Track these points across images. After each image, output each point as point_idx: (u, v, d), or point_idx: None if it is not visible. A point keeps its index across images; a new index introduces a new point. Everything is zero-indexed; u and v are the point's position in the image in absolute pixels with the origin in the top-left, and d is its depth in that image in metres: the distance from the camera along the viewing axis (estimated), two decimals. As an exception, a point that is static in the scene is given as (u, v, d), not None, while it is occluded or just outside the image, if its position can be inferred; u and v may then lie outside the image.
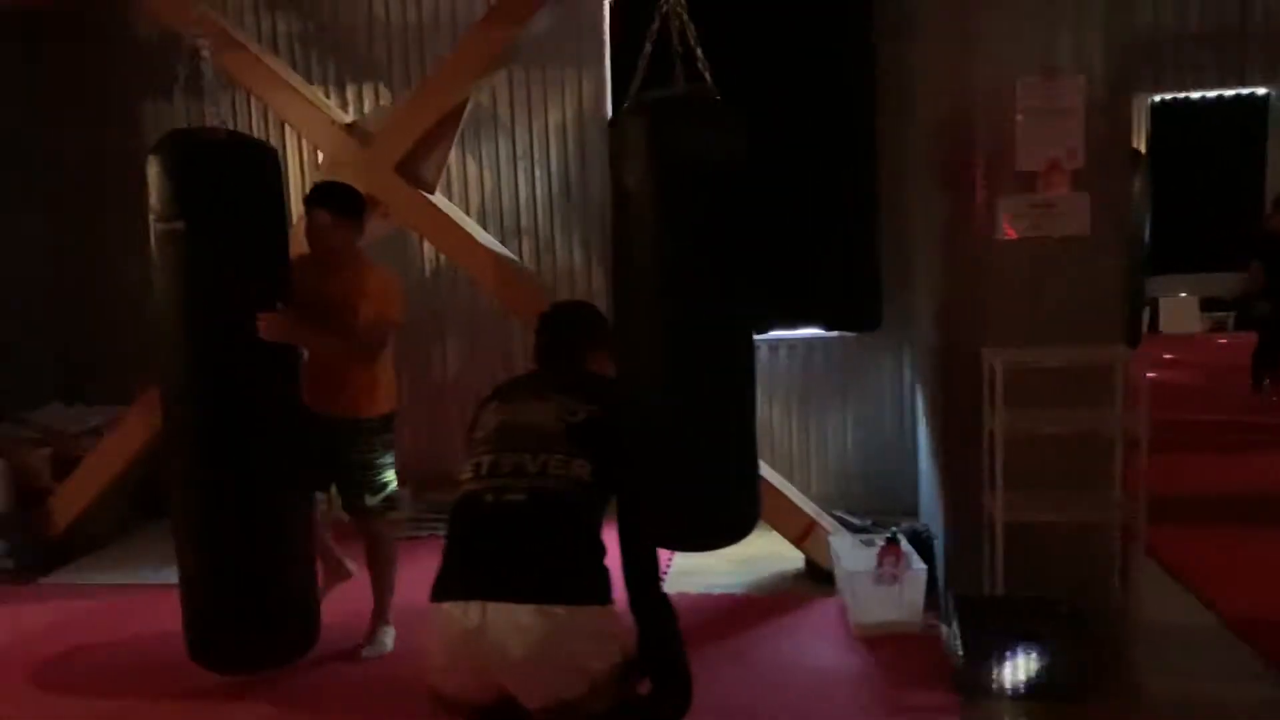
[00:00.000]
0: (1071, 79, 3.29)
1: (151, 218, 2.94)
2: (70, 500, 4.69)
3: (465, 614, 1.90)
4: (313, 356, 3.44)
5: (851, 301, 4.97)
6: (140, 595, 4.25)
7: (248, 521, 3.13)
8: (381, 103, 5.40)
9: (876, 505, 4.73)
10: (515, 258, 4.68)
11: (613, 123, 3.24)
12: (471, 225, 4.55)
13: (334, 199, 3.49)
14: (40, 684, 3.51)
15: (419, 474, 5.55)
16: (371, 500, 3.56)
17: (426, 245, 5.47)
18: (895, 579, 3.58)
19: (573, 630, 1.89)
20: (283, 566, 3.25)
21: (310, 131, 4.50)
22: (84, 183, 5.68)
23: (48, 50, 5.62)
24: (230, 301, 3.00)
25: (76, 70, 5.63)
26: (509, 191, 5.44)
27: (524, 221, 5.43)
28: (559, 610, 1.89)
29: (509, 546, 1.98)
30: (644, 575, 2.09)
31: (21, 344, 5.51)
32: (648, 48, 3.35)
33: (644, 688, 2.06)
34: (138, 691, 3.40)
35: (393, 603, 3.66)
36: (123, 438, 4.57)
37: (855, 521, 4.34)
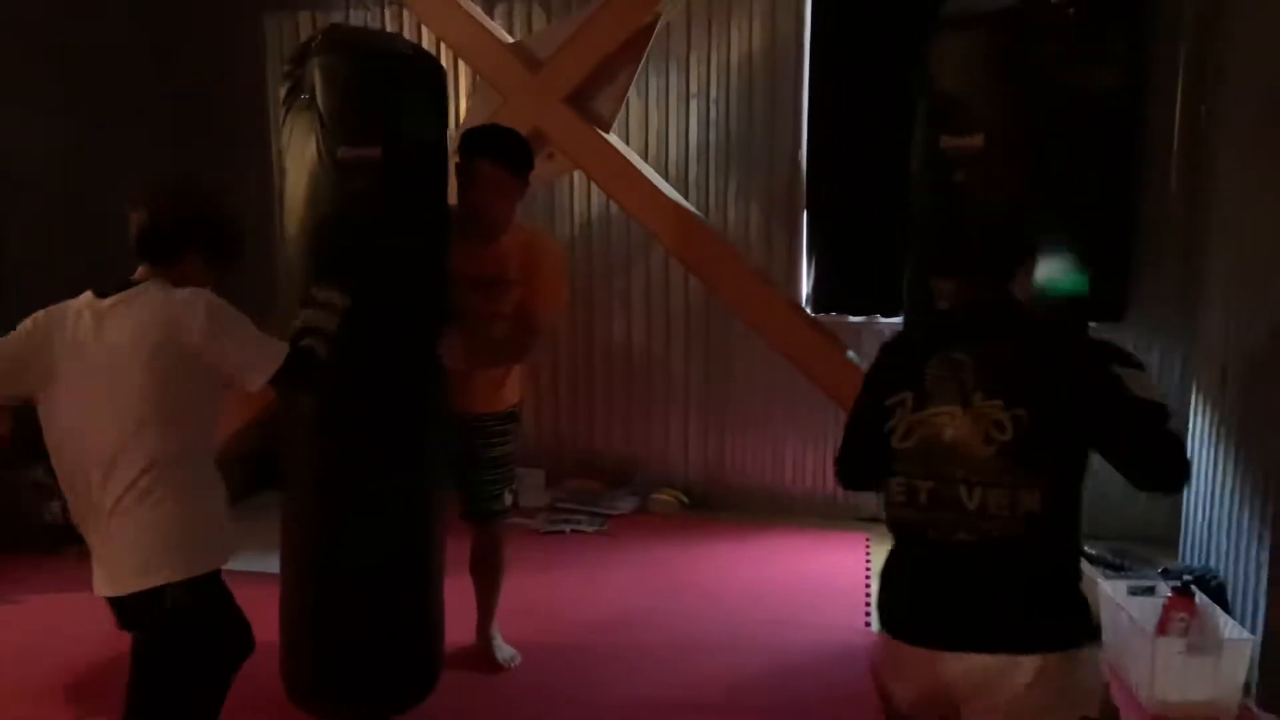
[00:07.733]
0: None
1: (316, 138, 2.16)
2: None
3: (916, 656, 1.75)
4: None
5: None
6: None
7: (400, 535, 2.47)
8: (535, 25, 4.66)
9: (1109, 530, 3.76)
10: (700, 214, 3.94)
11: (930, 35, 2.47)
12: (651, 172, 3.81)
13: (511, 152, 2.83)
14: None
15: (555, 459, 4.90)
16: (505, 503, 3.13)
17: (575, 197, 4.78)
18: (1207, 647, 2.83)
19: (1044, 679, 1.65)
20: (426, 591, 2.62)
21: (471, 52, 3.77)
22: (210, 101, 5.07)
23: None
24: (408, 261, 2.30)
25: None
26: (678, 135, 4.68)
27: (693, 171, 4.66)
28: (1025, 659, 1.66)
29: (959, 594, 1.74)
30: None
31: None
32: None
33: None
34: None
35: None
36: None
37: (1110, 559, 3.56)
